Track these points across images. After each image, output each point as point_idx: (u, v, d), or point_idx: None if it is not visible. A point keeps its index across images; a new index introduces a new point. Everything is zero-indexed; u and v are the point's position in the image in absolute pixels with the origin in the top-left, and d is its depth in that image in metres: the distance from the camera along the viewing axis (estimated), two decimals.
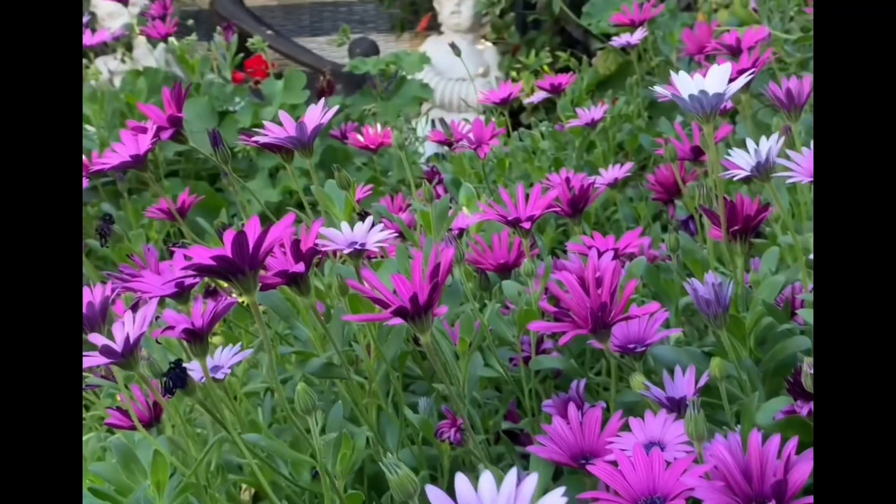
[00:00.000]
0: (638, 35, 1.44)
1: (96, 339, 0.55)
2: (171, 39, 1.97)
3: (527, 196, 0.81)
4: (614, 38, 1.48)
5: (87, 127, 1.78)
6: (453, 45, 1.72)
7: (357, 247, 0.66)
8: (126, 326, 0.55)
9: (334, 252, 0.70)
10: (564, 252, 1.04)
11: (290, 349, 0.79)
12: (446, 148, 1.50)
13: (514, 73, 2.94)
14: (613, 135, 1.47)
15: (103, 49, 3.19)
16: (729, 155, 0.65)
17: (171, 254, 0.78)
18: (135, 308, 0.74)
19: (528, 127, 1.61)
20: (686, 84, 0.61)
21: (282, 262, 0.63)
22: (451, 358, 0.78)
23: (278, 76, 1.88)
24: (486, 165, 1.62)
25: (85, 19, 1.88)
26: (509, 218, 0.78)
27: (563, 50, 2.96)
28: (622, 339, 0.67)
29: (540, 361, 0.75)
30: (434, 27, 3.14)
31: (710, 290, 0.61)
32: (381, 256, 0.98)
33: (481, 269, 0.93)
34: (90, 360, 0.52)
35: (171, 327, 0.62)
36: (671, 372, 0.63)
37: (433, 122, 2.16)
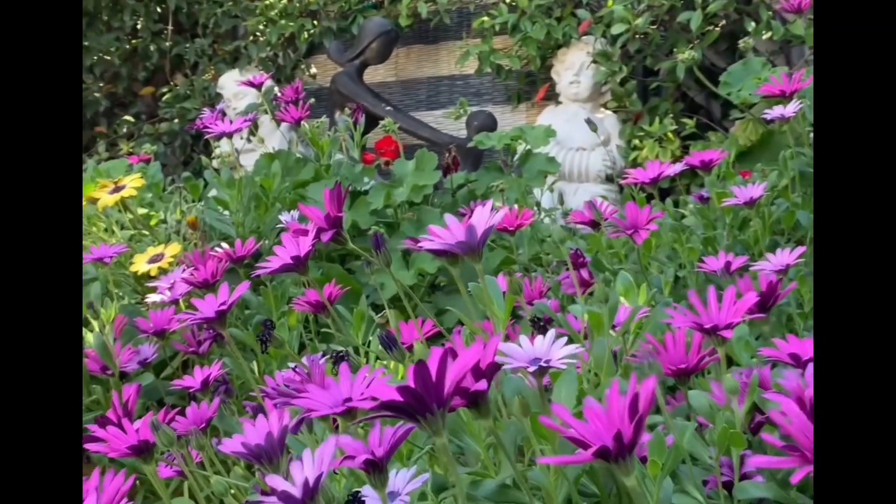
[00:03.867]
0: (792, 107, 1.36)
1: (275, 482, 0.51)
2: (304, 124, 1.99)
3: (719, 298, 0.74)
4: (766, 110, 1.40)
5: (225, 212, 1.80)
6: (589, 122, 1.67)
7: (542, 364, 0.61)
8: (305, 467, 0.51)
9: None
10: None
11: (463, 470, 0.73)
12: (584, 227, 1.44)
13: (636, 142, 2.88)
14: (768, 212, 1.38)
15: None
16: None
17: (334, 361, 0.74)
18: (299, 424, 0.70)
19: (662, 198, 1.54)
20: None
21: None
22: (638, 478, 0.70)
23: (409, 155, 1.87)
24: (626, 244, 1.55)
25: (220, 105, 1.92)
26: (706, 326, 0.71)
27: (687, 116, 2.89)
28: None
29: (745, 489, 0.67)
30: (552, 97, 3.12)
31: None
32: None
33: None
34: None
35: (349, 457, 0.58)
36: None
37: (560, 195, 2.11)
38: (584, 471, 0.77)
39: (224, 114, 1.75)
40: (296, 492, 0.50)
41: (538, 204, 2.20)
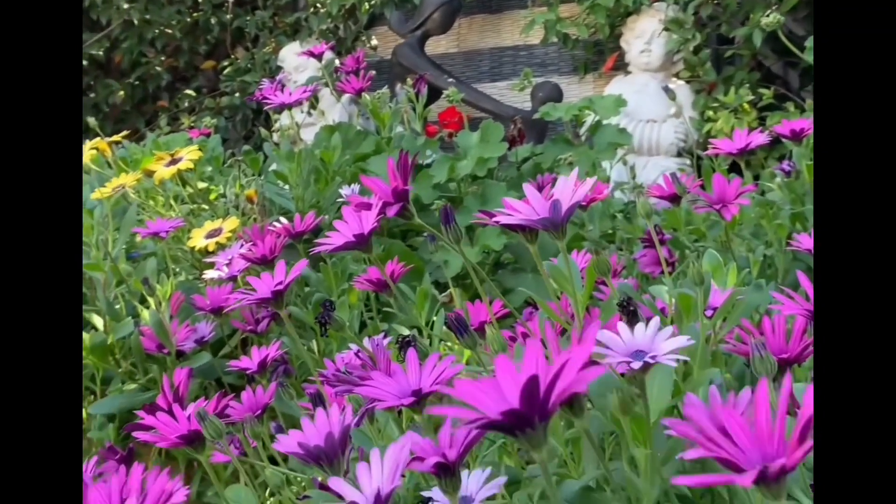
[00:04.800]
0: None
1: (340, 486, 0.44)
2: (364, 95, 1.93)
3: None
4: None
5: (284, 186, 1.75)
6: (667, 89, 1.57)
7: (648, 359, 0.53)
8: (374, 473, 0.44)
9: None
10: None
11: (537, 470, 0.66)
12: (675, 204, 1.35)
13: (710, 113, 2.75)
14: None
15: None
16: None
17: (399, 346, 0.68)
18: (362, 417, 0.64)
19: (756, 178, 1.44)
20: None
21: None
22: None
23: (473, 128, 1.80)
24: (706, 220, 1.45)
25: (279, 76, 1.86)
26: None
27: (763, 87, 2.75)
28: None
29: None
30: (621, 67, 3.00)
31: None
32: None
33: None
34: None
35: (418, 458, 0.51)
36: None
37: (631, 168, 2.01)
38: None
39: (283, 84, 1.69)
40: (366, 500, 0.44)
41: (608, 178, 2.10)
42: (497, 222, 0.66)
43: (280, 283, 0.72)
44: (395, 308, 1.22)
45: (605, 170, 2.10)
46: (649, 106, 2.80)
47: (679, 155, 2.78)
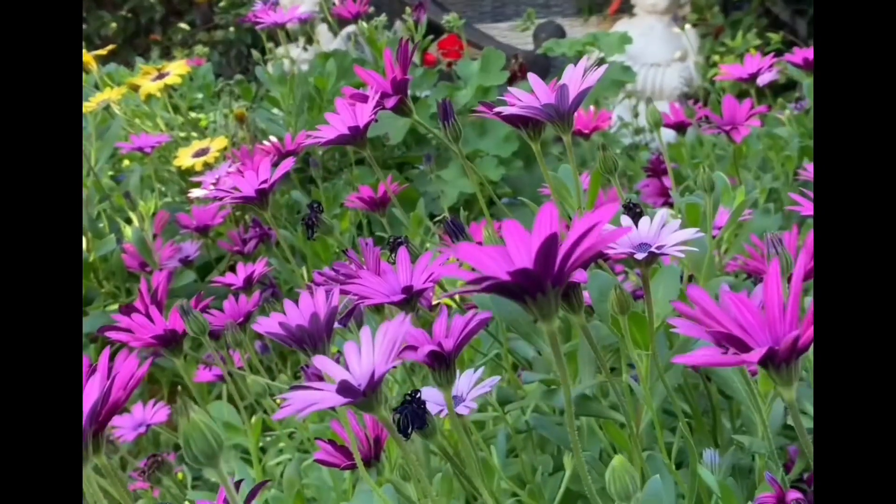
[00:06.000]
0: None
1: (326, 365, 0.41)
2: (361, 22, 1.87)
3: None
4: None
5: (275, 111, 1.70)
6: (676, 19, 1.51)
7: (654, 250, 0.49)
8: (365, 353, 0.40)
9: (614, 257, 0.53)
10: None
11: (535, 376, 0.63)
12: (671, 132, 1.30)
13: (716, 58, 2.68)
14: None
15: (286, 37, 3.18)
16: None
17: (391, 248, 0.64)
18: (349, 316, 0.60)
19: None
20: None
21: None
22: (745, 395, 0.60)
23: (471, 58, 1.74)
24: (710, 155, 1.41)
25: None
26: None
27: (772, 32, 2.68)
28: None
29: None
30: (626, 9, 2.93)
31: None
32: None
33: (760, 280, 0.74)
34: (317, 398, 0.38)
35: (411, 347, 0.48)
36: None
37: (634, 107, 1.96)
38: (676, 386, 0.66)
39: (277, 4, 1.63)
40: (357, 381, 0.40)
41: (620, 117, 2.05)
42: (498, 114, 0.61)
43: (265, 181, 0.68)
44: (388, 234, 1.18)
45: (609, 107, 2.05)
46: (654, 49, 2.73)
47: (686, 98, 2.72)
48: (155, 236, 1.14)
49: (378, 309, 0.63)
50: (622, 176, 1.54)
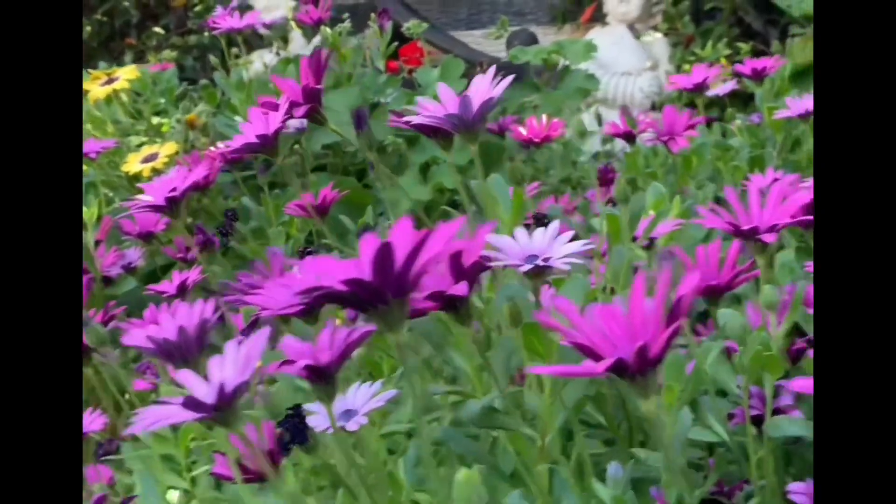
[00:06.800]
0: None
1: (188, 379, 0.40)
2: (324, 28, 1.86)
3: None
4: None
5: (235, 117, 1.69)
6: (632, 27, 1.52)
7: (539, 262, 0.49)
8: (227, 365, 0.40)
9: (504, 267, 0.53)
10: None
11: (441, 388, 0.62)
12: (620, 143, 1.31)
13: (687, 67, 2.69)
14: None
15: (259, 42, 3.17)
16: None
17: (301, 255, 0.63)
18: (251, 328, 0.60)
19: (718, 119, 1.40)
20: None
21: (435, 280, 0.47)
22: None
23: (434, 65, 1.73)
24: (664, 164, 1.41)
25: (232, 4, 1.79)
26: (743, 227, 0.58)
27: (742, 42, 2.69)
28: None
29: (778, 425, 0.55)
30: (599, 18, 2.93)
31: None
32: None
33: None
34: (168, 413, 0.37)
35: (289, 361, 0.47)
36: None
37: (598, 115, 1.96)
38: (590, 397, 0.66)
39: (237, 10, 1.62)
40: (207, 396, 0.39)
41: (581, 123, 2.05)
42: (407, 122, 0.61)
43: (174, 189, 0.67)
44: (331, 240, 1.18)
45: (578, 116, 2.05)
46: (626, 58, 2.74)
47: (653, 108, 2.73)
48: (98, 243, 1.13)
49: (285, 320, 0.62)
50: (578, 185, 1.54)
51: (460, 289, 0.45)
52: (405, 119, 0.60)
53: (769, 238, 0.56)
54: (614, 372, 0.36)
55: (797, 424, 0.55)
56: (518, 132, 1.31)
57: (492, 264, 0.48)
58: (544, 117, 1.37)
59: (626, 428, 0.68)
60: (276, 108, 0.66)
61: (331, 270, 0.34)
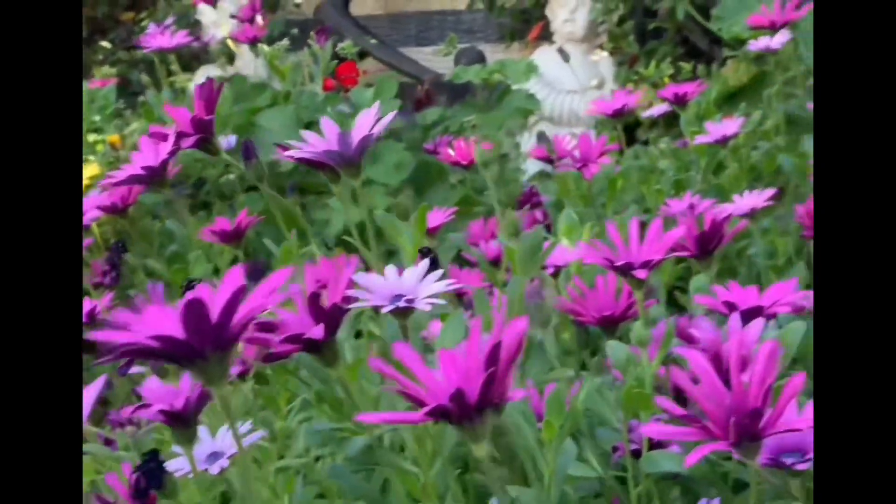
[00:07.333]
0: (779, 39, 1.22)
1: None
2: (262, 46, 1.85)
3: (643, 232, 0.62)
4: (751, 41, 1.26)
5: None
6: (561, 51, 1.53)
7: (402, 304, 0.48)
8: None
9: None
10: (686, 294, 0.84)
11: (324, 425, 0.61)
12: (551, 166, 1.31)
13: (631, 86, 2.72)
14: (747, 155, 1.24)
15: (206, 57, 3.15)
16: None
17: (184, 289, 0.62)
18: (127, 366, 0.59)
19: (646, 143, 1.41)
20: None
21: (297, 322, 0.46)
22: (535, 444, 0.59)
23: (369, 84, 1.73)
24: (593, 187, 1.42)
25: (168, 21, 1.78)
26: (617, 263, 0.58)
27: (686, 61, 2.73)
28: (774, 447, 0.47)
29: (654, 460, 0.55)
30: (546, 36, 2.96)
31: None
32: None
33: (581, 322, 0.74)
34: None
35: (144, 406, 0.46)
36: None
37: (538, 135, 1.97)
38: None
39: (171, 28, 1.61)
40: None
41: (517, 145, 2.06)
42: (290, 156, 0.60)
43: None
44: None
45: (516, 137, 2.06)
46: (571, 76, 2.76)
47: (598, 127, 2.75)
48: None
49: None
50: (514, 206, 1.54)
51: (317, 332, 0.44)
52: (287, 153, 0.60)
53: (641, 274, 0.57)
54: (441, 417, 0.36)
55: (672, 460, 0.55)
56: (446, 153, 1.31)
57: (354, 305, 0.48)
58: (476, 140, 1.37)
59: (518, 461, 0.68)
60: (165, 137, 0.66)
61: (150, 324, 0.34)
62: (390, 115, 0.59)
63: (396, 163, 1.54)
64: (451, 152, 1.30)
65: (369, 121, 0.59)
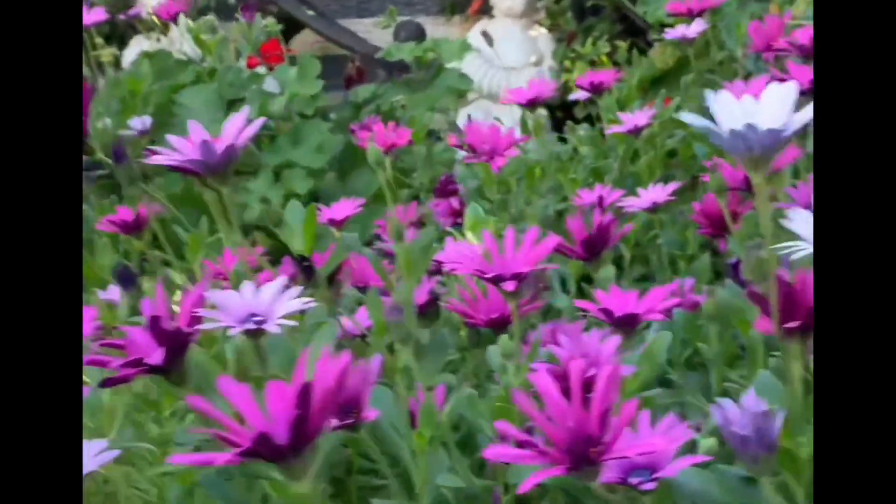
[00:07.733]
0: (695, 28, 1.22)
1: None
2: (187, 20, 1.81)
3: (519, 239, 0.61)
4: (669, 29, 1.26)
5: None
6: (485, 34, 1.52)
7: (252, 325, 0.48)
8: None
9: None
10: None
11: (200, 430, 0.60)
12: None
13: (568, 63, 2.71)
14: (662, 142, 1.25)
15: (139, 29, 3.06)
16: (785, 217, 0.44)
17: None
18: None
19: (584, 121, 1.41)
20: (727, 110, 0.41)
21: (141, 346, 0.45)
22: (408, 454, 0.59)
23: (293, 62, 1.70)
24: (513, 174, 1.42)
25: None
26: (488, 274, 0.58)
27: (624, 39, 2.73)
28: (623, 466, 0.47)
29: (519, 472, 0.56)
30: (486, 11, 2.93)
31: (750, 422, 0.40)
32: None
33: (471, 324, 0.74)
34: None
35: None
36: None
37: (468, 116, 1.96)
38: (357, 439, 0.65)
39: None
40: None
41: (453, 123, 2.05)
42: (155, 162, 0.59)
43: None
44: (170, 254, 1.14)
45: (450, 115, 2.05)
46: (510, 53, 2.75)
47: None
48: None
49: None
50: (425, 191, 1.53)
51: (155, 358, 0.43)
52: (154, 160, 0.58)
53: (509, 287, 0.57)
54: (254, 457, 0.36)
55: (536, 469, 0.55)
56: (364, 138, 1.30)
57: (201, 326, 0.47)
58: (391, 124, 1.36)
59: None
60: None
61: None
62: (260, 121, 0.57)
63: (319, 144, 1.52)
64: (369, 141, 1.29)
65: (237, 128, 0.57)
